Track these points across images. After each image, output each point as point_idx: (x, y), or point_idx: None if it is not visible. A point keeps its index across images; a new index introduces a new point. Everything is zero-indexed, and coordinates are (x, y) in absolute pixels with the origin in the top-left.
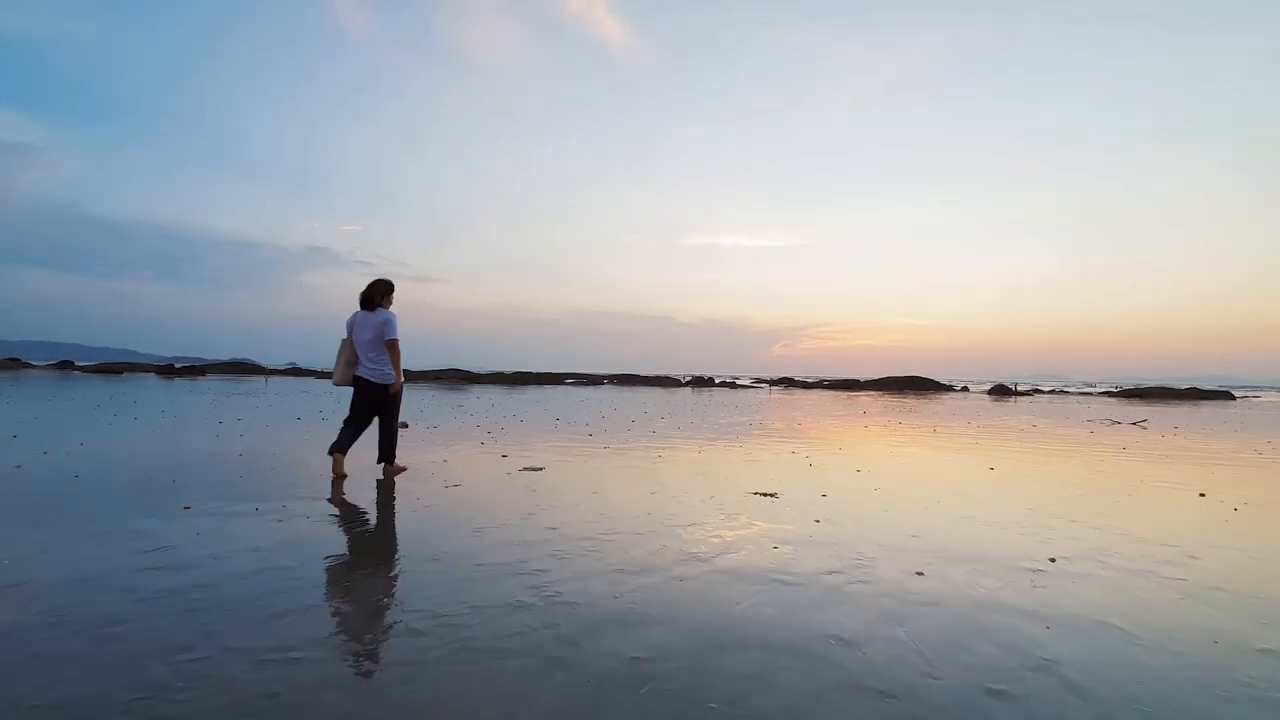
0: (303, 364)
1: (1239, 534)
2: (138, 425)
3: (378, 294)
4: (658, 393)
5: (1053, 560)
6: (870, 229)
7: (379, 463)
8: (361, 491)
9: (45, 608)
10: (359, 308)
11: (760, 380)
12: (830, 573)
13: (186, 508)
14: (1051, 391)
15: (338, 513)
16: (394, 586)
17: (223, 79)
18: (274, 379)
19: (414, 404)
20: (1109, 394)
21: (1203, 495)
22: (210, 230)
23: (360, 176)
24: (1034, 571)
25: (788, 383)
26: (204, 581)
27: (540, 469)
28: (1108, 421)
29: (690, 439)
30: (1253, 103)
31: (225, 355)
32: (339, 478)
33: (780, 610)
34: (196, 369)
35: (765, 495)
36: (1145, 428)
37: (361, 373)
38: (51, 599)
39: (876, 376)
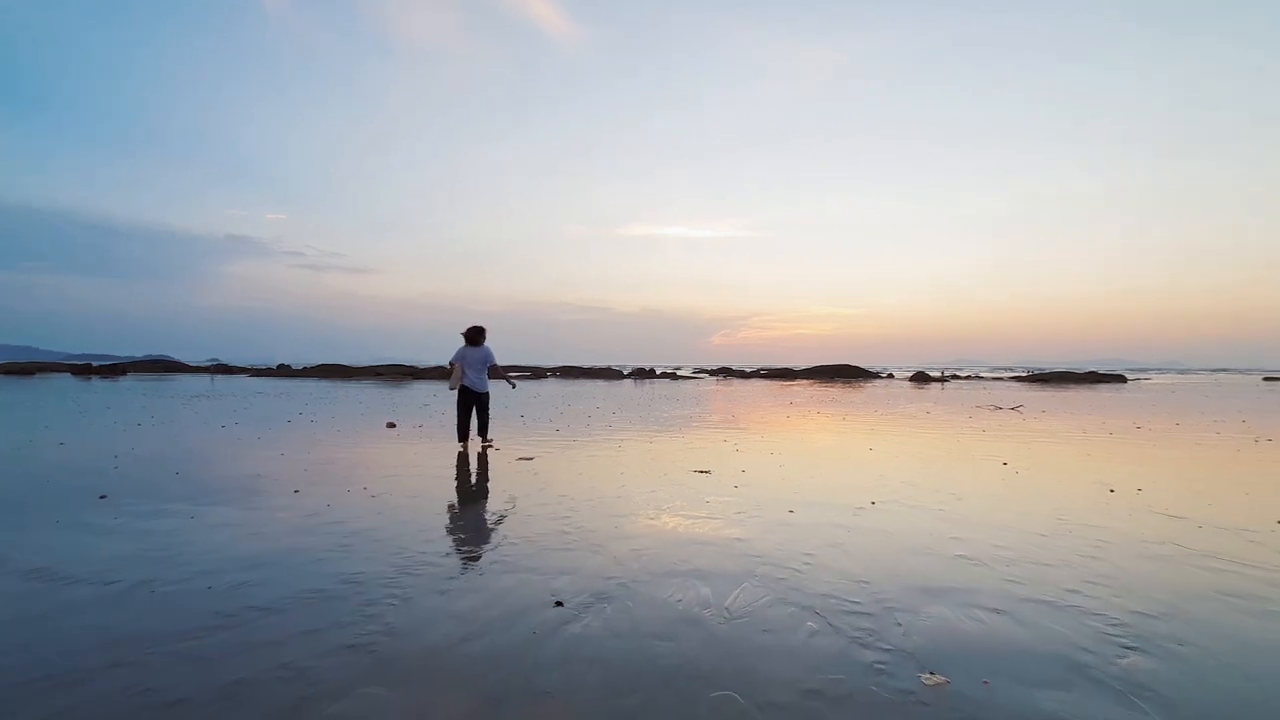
0: (226, 360)
1: (1006, 487)
2: (149, 430)
3: (481, 336)
4: (601, 385)
5: (873, 503)
6: (806, 221)
7: (479, 435)
8: (416, 479)
9: (288, 544)
10: (465, 344)
11: (700, 370)
12: (738, 513)
13: (296, 491)
14: (968, 377)
15: (412, 490)
16: (481, 525)
17: (129, 55)
18: (219, 378)
19: (382, 405)
20: (1018, 378)
21: (1005, 464)
22: (118, 217)
23: (287, 163)
24: (858, 508)
25: (726, 372)
26: (365, 528)
27: (531, 458)
28: (992, 407)
29: (641, 432)
30: (1185, 104)
31: (140, 352)
32: (465, 454)
33: (708, 529)
34: (116, 368)
35: (701, 472)
36: (1021, 413)
37: (467, 383)
38: (292, 540)
39: (810, 365)
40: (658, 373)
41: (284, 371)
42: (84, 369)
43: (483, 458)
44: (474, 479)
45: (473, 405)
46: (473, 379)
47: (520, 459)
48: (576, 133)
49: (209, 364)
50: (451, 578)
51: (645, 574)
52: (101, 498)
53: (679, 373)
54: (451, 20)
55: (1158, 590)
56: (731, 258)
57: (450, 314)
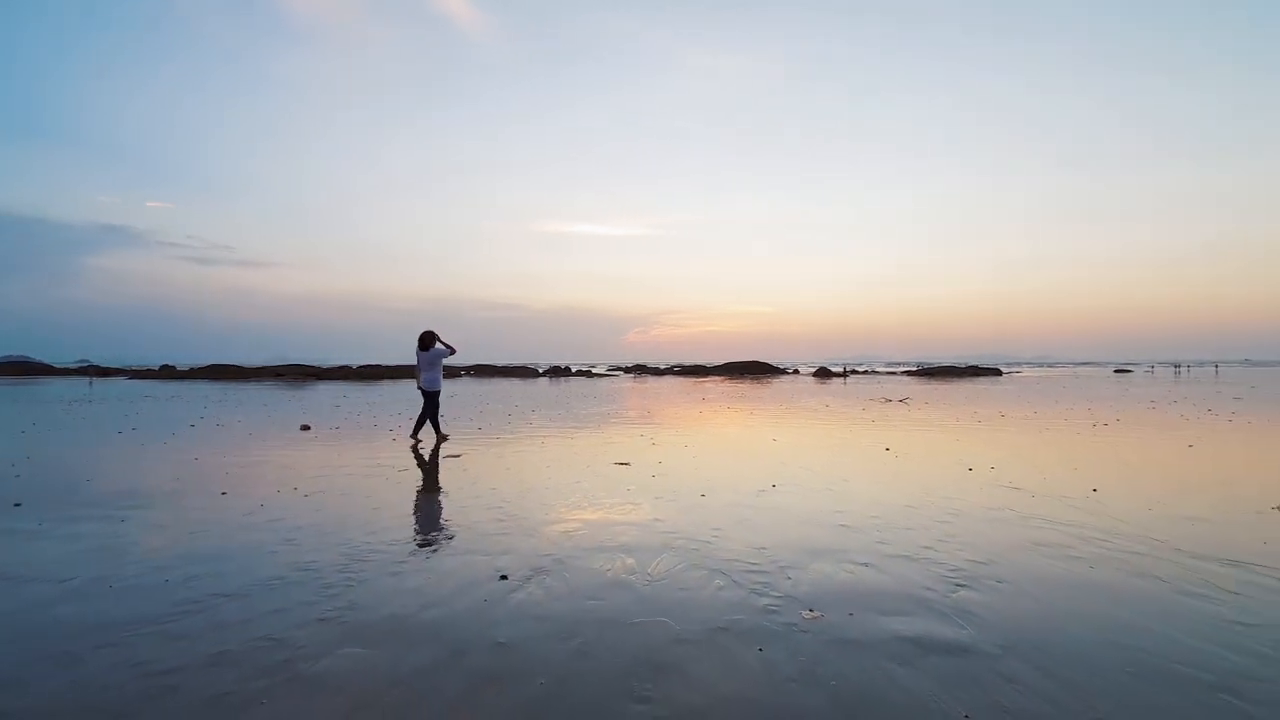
0: (98, 360)
1: (886, 469)
2: (38, 437)
3: (430, 339)
4: (517, 384)
5: (773, 485)
6: (718, 220)
7: (434, 434)
8: (346, 478)
9: (233, 541)
10: (419, 349)
11: (616, 368)
12: (656, 498)
13: (223, 494)
14: (866, 372)
15: (344, 489)
16: (420, 517)
17: None
18: (97, 381)
19: (290, 407)
20: (910, 373)
21: (888, 449)
22: None
23: (170, 148)
24: (760, 490)
25: (641, 370)
26: (306, 525)
27: (459, 455)
28: (883, 400)
29: (562, 428)
30: (1079, 115)
31: None
32: (418, 446)
33: (630, 513)
34: None
35: (622, 464)
36: (907, 404)
37: (424, 383)
38: (235, 537)
39: (721, 362)
40: (573, 371)
41: (169, 373)
42: None
43: (416, 454)
44: (405, 476)
45: (427, 401)
46: (423, 379)
47: (447, 456)
48: (489, 126)
49: (79, 365)
50: (401, 561)
51: (577, 551)
52: (16, 505)
53: (594, 370)
54: (355, 4)
55: (990, 544)
56: (646, 255)
57: (356, 311)
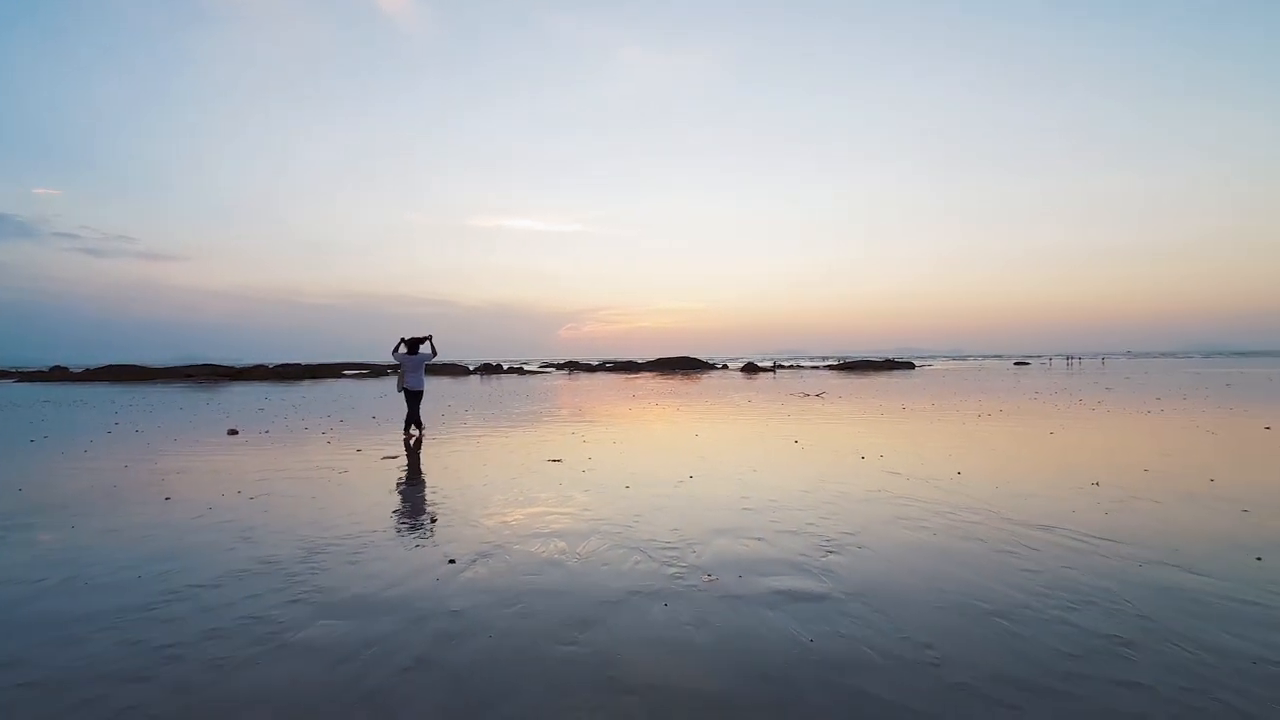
0: None
1: (791, 459)
2: None
3: (420, 342)
4: (448, 383)
5: (691, 477)
6: (652, 217)
7: (416, 429)
8: (287, 481)
9: (190, 541)
10: (407, 352)
11: (548, 365)
12: (585, 490)
13: (167, 499)
14: (791, 367)
15: (288, 491)
16: (368, 514)
17: None
18: None
19: (210, 410)
20: (831, 367)
21: (796, 441)
22: None
23: (62, 130)
24: (679, 481)
25: (573, 366)
26: (258, 524)
27: (396, 456)
28: (802, 394)
29: (496, 428)
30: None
31: None
32: (409, 440)
33: (562, 504)
34: None
35: (554, 461)
36: (823, 399)
37: (410, 384)
38: (191, 537)
39: (653, 358)
40: (505, 368)
41: (62, 374)
42: None
43: (408, 446)
44: (346, 478)
45: (415, 400)
46: (410, 380)
47: (385, 458)
48: (419, 117)
49: None
50: (357, 552)
51: (516, 537)
52: None
53: (527, 368)
54: None
55: (861, 519)
56: (580, 251)
57: (272, 307)
